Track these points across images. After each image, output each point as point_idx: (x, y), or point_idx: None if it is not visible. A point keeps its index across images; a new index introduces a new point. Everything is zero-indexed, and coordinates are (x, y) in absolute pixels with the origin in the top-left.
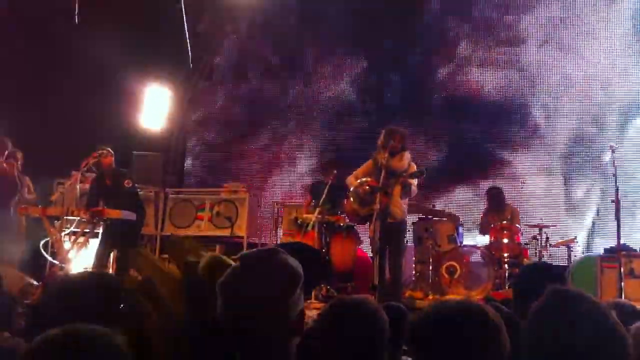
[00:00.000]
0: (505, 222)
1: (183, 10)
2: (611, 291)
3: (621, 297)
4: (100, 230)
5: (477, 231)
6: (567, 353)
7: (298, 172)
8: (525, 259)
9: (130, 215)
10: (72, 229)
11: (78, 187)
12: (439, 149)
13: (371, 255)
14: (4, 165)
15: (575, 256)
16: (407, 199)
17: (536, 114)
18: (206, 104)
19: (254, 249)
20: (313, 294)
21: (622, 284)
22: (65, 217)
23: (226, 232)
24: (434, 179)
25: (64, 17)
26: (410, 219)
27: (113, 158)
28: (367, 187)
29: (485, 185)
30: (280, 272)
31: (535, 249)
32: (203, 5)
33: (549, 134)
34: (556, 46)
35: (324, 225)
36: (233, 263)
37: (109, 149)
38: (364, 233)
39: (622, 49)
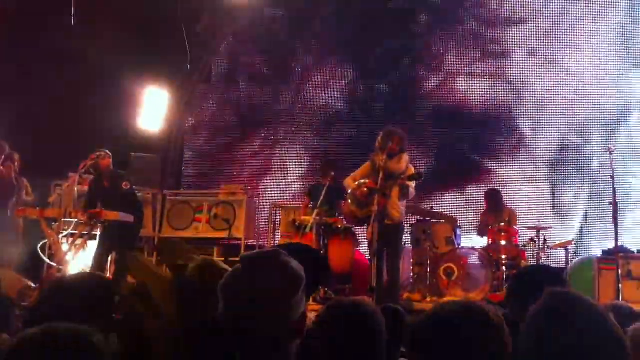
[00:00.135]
0: (503, 224)
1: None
2: (609, 293)
3: (619, 299)
4: (98, 233)
5: (466, 236)
6: (566, 355)
7: (296, 174)
8: (523, 261)
9: (128, 217)
10: (69, 230)
11: (76, 189)
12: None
13: (369, 257)
14: (1, 167)
15: (572, 258)
16: (405, 201)
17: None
18: (204, 106)
19: (254, 251)
20: (311, 296)
21: (620, 285)
22: (63, 219)
23: (224, 234)
24: (423, 185)
25: (62, 18)
26: (408, 221)
27: (111, 160)
28: (365, 189)
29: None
30: (282, 274)
31: (533, 251)
32: (202, 7)
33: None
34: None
35: (322, 227)
36: (225, 266)
37: (107, 151)
38: (362, 235)
39: (608, 61)
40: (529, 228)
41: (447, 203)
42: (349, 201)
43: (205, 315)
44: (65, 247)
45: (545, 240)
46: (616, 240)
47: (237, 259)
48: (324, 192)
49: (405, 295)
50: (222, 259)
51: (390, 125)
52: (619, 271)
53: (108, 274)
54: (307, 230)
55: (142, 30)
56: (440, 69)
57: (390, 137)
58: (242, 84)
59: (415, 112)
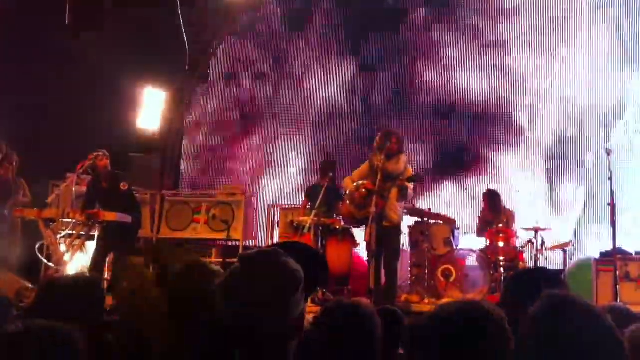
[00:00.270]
0: (501, 225)
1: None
2: (607, 294)
3: (617, 300)
4: (96, 233)
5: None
6: (564, 358)
7: (294, 175)
8: (521, 263)
9: (126, 218)
10: (67, 231)
11: (74, 189)
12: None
13: (367, 258)
14: None
15: (570, 259)
16: (403, 203)
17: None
18: (203, 107)
19: (253, 250)
20: (309, 297)
21: (618, 287)
22: (61, 220)
23: (222, 235)
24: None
25: (61, 19)
26: (406, 222)
27: (109, 160)
28: (364, 191)
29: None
30: (281, 273)
31: (531, 253)
32: (200, 8)
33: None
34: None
35: (320, 228)
36: (215, 267)
37: (105, 151)
38: (360, 236)
39: (606, 54)
40: (527, 229)
41: (446, 196)
42: (347, 202)
43: (194, 313)
44: (63, 247)
45: (543, 241)
46: (614, 241)
47: (236, 259)
48: (322, 193)
49: (404, 296)
50: (221, 260)
51: (389, 122)
52: (617, 273)
53: (106, 275)
54: (305, 231)
55: (141, 30)
56: (439, 62)
57: (389, 137)
58: (241, 83)
59: (414, 106)
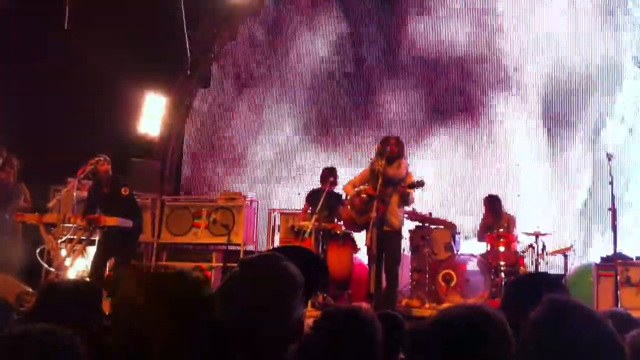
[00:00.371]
0: (501, 230)
1: (183, 14)
2: (608, 300)
3: (617, 305)
4: (97, 238)
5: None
6: None
7: (293, 175)
8: (521, 267)
9: (127, 223)
10: (68, 236)
11: (75, 194)
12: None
13: (368, 263)
14: (0, 172)
15: (572, 264)
16: (404, 207)
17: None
18: (203, 111)
19: (253, 255)
20: (309, 301)
21: (619, 292)
22: (61, 224)
23: (223, 240)
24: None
25: (60, 20)
26: (407, 226)
27: (110, 165)
28: (364, 196)
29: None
30: (280, 278)
31: (532, 258)
32: (201, 11)
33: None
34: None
35: (321, 232)
36: (198, 274)
37: (106, 156)
38: (361, 241)
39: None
40: (527, 234)
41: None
42: (348, 207)
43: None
44: (63, 252)
45: (544, 246)
46: (615, 246)
47: (236, 264)
48: (323, 198)
49: (404, 301)
50: (221, 264)
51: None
52: (618, 278)
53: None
54: (306, 235)
55: (141, 35)
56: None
57: (388, 141)
58: (242, 88)
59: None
